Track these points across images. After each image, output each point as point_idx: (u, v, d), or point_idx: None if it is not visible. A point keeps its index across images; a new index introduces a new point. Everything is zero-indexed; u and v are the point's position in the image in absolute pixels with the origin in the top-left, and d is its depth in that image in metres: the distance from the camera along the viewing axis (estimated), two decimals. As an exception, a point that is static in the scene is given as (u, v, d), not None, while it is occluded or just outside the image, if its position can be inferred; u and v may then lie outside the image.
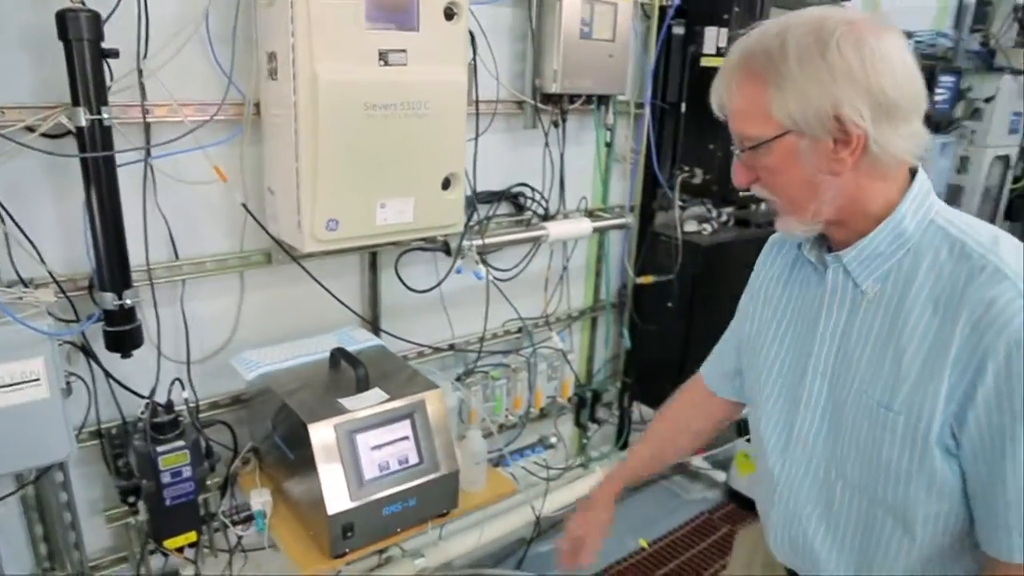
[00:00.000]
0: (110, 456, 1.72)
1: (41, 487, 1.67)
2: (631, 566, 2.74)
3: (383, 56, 1.62)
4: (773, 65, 0.92)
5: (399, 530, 1.64)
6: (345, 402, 1.60)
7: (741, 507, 3.14)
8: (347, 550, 1.57)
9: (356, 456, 1.55)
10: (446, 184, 1.82)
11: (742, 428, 3.13)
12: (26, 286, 1.52)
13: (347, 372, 1.74)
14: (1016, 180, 4.80)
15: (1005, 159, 4.47)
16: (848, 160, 0.93)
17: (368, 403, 1.61)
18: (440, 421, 1.68)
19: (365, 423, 1.58)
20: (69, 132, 1.48)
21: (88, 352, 1.61)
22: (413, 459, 1.64)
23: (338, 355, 1.76)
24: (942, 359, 0.93)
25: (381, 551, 2.24)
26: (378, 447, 1.59)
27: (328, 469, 1.52)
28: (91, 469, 1.75)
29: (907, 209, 0.98)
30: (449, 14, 1.70)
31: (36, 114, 1.45)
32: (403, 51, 1.64)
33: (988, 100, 4.06)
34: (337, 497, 1.52)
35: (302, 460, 1.57)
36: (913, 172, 1.01)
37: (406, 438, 1.64)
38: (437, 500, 1.69)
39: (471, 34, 1.89)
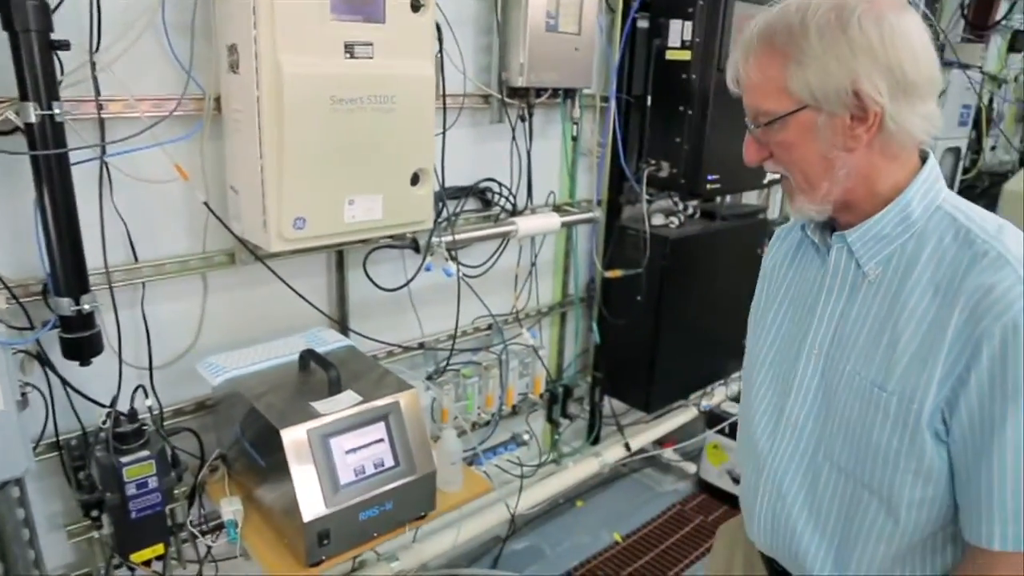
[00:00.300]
0: (70, 469, 1.64)
1: (-8, 504, 1.59)
2: (606, 560, 2.74)
3: (349, 48, 1.57)
4: (794, 40, 0.93)
5: (376, 535, 1.60)
6: (317, 405, 1.56)
7: (713, 497, 3.17)
8: (323, 558, 1.52)
9: (330, 461, 1.51)
10: (415, 180, 1.78)
11: (712, 420, 3.16)
12: (-25, 292, 1.44)
13: (317, 374, 1.69)
14: (966, 171, 4.95)
15: (956, 151, 4.60)
16: (864, 136, 0.95)
17: (341, 406, 1.57)
18: (415, 422, 1.65)
19: (339, 426, 1.54)
20: (17, 128, 1.41)
21: (44, 361, 1.53)
22: (389, 462, 1.60)
23: (308, 357, 1.71)
24: (939, 342, 0.93)
25: (354, 555, 2.19)
26: (353, 451, 1.55)
27: (302, 475, 1.47)
28: (49, 482, 1.67)
29: (915, 193, 0.99)
30: (416, 6, 1.66)
31: (-21, 110, 1.38)
32: (369, 44, 1.60)
33: (940, 94, 4.16)
34: (312, 504, 1.47)
35: (274, 466, 1.52)
36: (923, 158, 1.02)
37: (381, 440, 1.60)
38: (414, 503, 1.65)
39: (437, 26, 1.86)
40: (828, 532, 1.09)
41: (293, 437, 1.47)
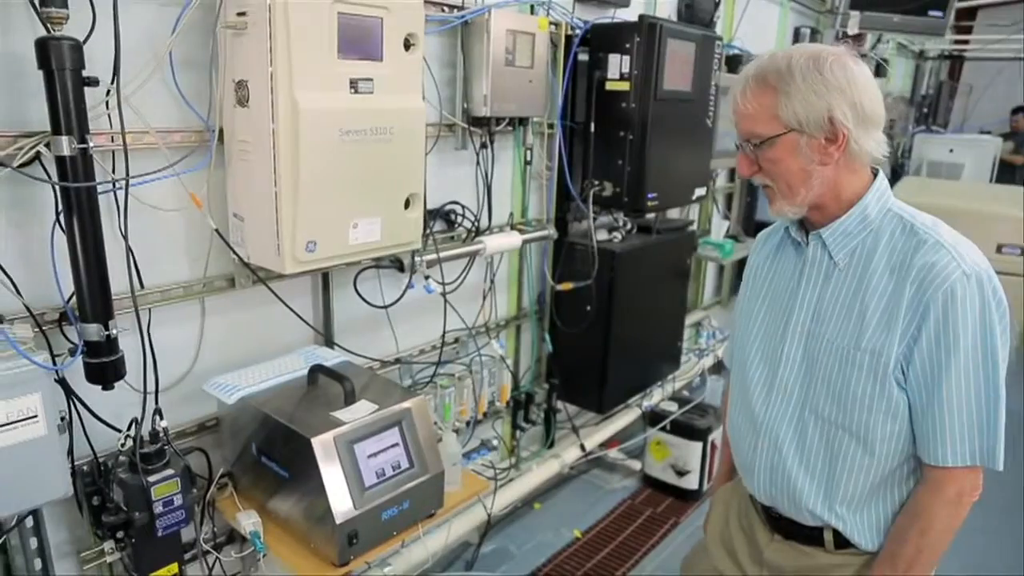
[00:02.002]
0: (83, 494, 1.66)
1: (8, 536, 1.59)
2: (571, 555, 2.92)
3: (353, 84, 1.71)
4: (783, 79, 1.20)
5: (395, 533, 1.72)
6: (338, 415, 1.66)
7: (658, 491, 3.42)
8: (352, 557, 1.62)
9: (356, 465, 1.62)
10: (407, 204, 1.92)
11: (653, 419, 3.41)
12: (1, 322, 1.46)
13: (325, 388, 1.79)
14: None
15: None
16: (835, 154, 1.22)
17: (360, 414, 1.68)
18: (424, 426, 1.78)
19: (361, 433, 1.65)
20: (35, 160, 1.46)
21: (67, 387, 1.56)
22: (405, 464, 1.72)
23: (317, 371, 1.81)
24: (897, 309, 1.22)
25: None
26: (374, 455, 1.66)
27: (333, 479, 1.57)
28: (58, 510, 1.68)
29: (871, 199, 1.27)
30: (407, 45, 1.82)
31: (7, 145, 1.42)
32: (370, 80, 1.74)
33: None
34: (343, 506, 1.57)
35: (301, 475, 1.61)
36: (875, 173, 1.30)
37: (396, 444, 1.72)
38: (427, 501, 1.78)
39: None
40: (817, 473, 1.34)
41: (323, 444, 1.57)
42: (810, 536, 1.38)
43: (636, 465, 3.48)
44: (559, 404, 3.09)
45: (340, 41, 1.66)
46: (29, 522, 1.59)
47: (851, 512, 1.33)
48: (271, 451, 1.70)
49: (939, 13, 4.41)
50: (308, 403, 1.74)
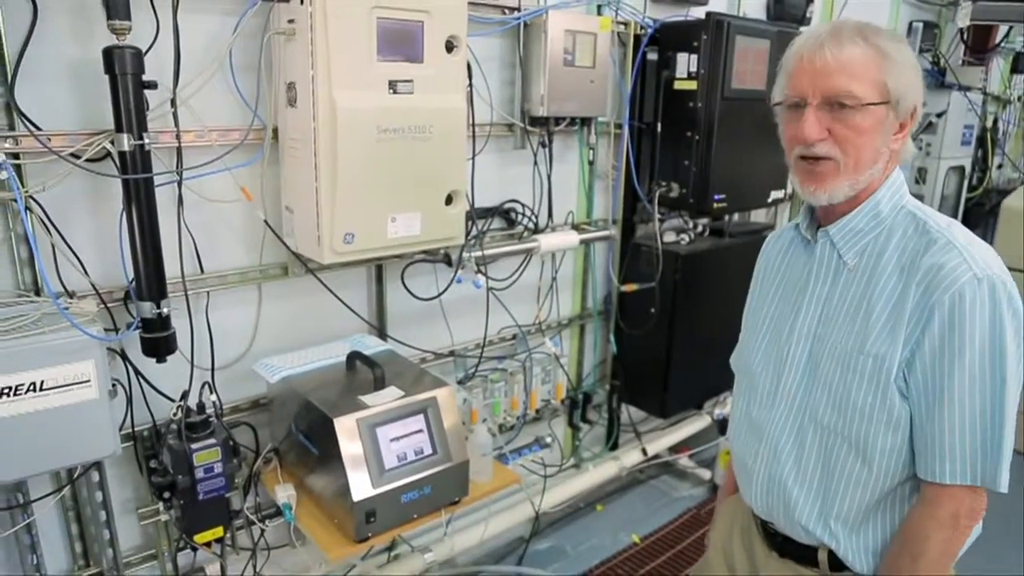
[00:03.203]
0: (142, 457, 1.84)
1: (78, 488, 1.79)
2: (625, 560, 2.89)
3: (392, 85, 1.79)
4: (896, 49, 1.13)
5: (415, 516, 1.78)
6: (365, 399, 1.75)
7: (725, 502, 3.31)
8: (370, 534, 1.70)
9: (377, 447, 1.70)
10: (448, 200, 1.99)
11: (724, 427, 3.31)
12: (70, 297, 1.65)
13: (363, 373, 1.88)
14: (972, 189, 5.10)
15: (960, 169, 4.75)
16: (899, 142, 1.17)
17: (386, 399, 1.76)
18: (450, 415, 1.83)
19: (384, 417, 1.73)
20: (107, 155, 1.63)
21: (125, 358, 1.74)
22: (427, 450, 1.78)
23: (354, 357, 1.91)
24: (902, 311, 1.13)
25: (390, 548, 2.37)
26: (396, 439, 1.74)
27: (352, 459, 1.66)
28: (123, 471, 1.87)
29: (883, 194, 1.20)
30: (449, 47, 1.88)
31: (80, 140, 1.60)
32: (410, 81, 1.81)
33: (940, 115, 4.34)
34: (361, 485, 1.66)
35: (327, 453, 1.71)
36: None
37: (420, 431, 1.78)
38: (450, 488, 1.84)
39: (467, 64, 2.07)
40: (813, 486, 1.27)
41: (345, 425, 1.67)
42: (805, 556, 1.31)
43: (706, 474, 3.38)
44: (621, 407, 3.06)
45: (380, 44, 1.74)
46: (95, 476, 1.79)
47: (846, 530, 1.25)
48: (305, 429, 1.81)
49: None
50: (342, 386, 1.84)
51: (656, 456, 3.17)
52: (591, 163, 2.72)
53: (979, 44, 4.78)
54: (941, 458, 1.12)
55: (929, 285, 1.11)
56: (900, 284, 1.15)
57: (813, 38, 1.15)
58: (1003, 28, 4.86)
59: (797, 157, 1.19)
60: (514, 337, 2.67)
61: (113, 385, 1.59)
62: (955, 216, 4.84)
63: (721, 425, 3.31)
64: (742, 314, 1.49)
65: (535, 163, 2.54)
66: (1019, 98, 5.79)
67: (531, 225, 2.58)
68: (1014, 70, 5.49)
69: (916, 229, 1.17)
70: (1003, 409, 1.09)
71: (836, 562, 1.27)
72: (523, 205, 2.56)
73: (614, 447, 3.13)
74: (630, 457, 3.02)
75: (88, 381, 1.50)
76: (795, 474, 1.29)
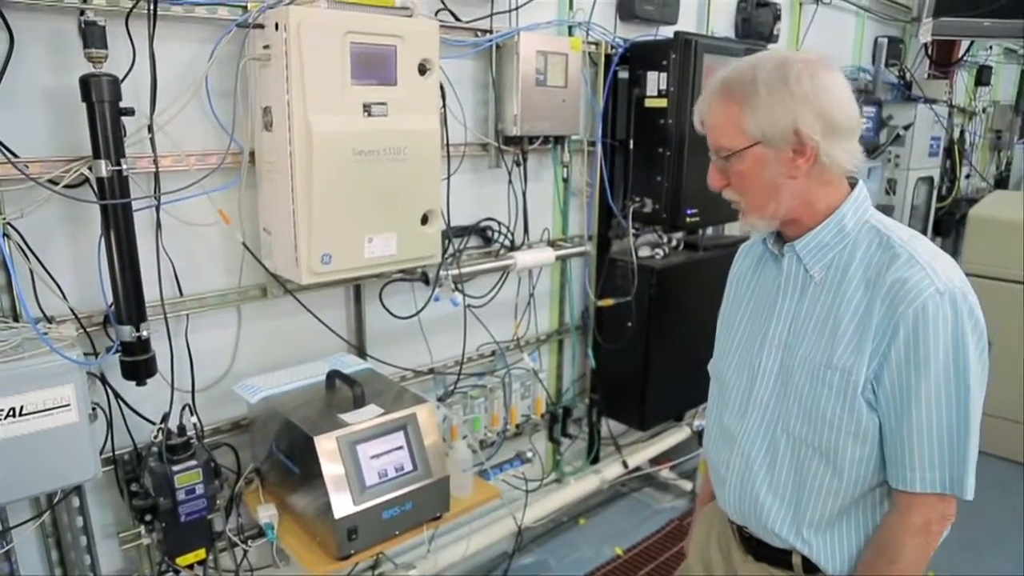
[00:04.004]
0: (123, 481, 1.85)
1: (58, 513, 1.79)
2: (609, 572, 2.91)
3: (367, 108, 1.83)
4: (747, 90, 1.17)
5: (397, 533, 1.80)
6: (345, 417, 1.77)
7: (707, 512, 3.34)
8: (352, 552, 1.72)
9: (358, 464, 1.72)
10: (424, 220, 2.02)
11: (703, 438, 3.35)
12: (49, 322, 1.66)
13: (342, 392, 1.90)
14: (942, 199, 5.22)
15: (929, 180, 4.87)
16: (803, 167, 1.19)
17: (366, 417, 1.78)
18: (430, 432, 1.86)
19: (364, 435, 1.75)
20: (85, 181, 1.66)
21: (105, 382, 1.75)
22: (408, 467, 1.80)
23: (334, 376, 1.93)
24: (868, 325, 1.17)
25: (374, 567, 2.37)
26: (376, 456, 1.76)
27: (333, 477, 1.68)
28: (104, 495, 1.87)
29: (847, 210, 1.23)
30: (422, 70, 1.92)
31: (58, 166, 1.62)
32: (384, 104, 1.85)
33: (907, 127, 4.45)
34: (342, 502, 1.67)
35: (308, 472, 1.73)
36: (853, 184, 1.26)
37: (401, 448, 1.81)
38: (431, 504, 1.85)
39: (440, 86, 2.12)
40: (786, 496, 1.30)
41: (325, 443, 1.68)
42: (779, 559, 1.35)
43: (688, 485, 3.42)
44: (602, 420, 3.09)
45: (353, 68, 1.78)
46: (75, 501, 1.79)
47: (818, 536, 1.28)
48: (286, 448, 1.83)
49: (1037, 15, 4.11)
50: (322, 405, 1.86)
51: (637, 468, 3.20)
52: (565, 180, 2.77)
53: (943, 58, 4.93)
54: (911, 467, 1.16)
55: (894, 299, 1.15)
56: (866, 298, 1.18)
57: (704, 94, 1.25)
58: (965, 43, 5.02)
59: None
60: (493, 353, 2.70)
61: (93, 409, 1.60)
62: (926, 225, 4.98)
63: (701, 436, 3.35)
64: (715, 327, 1.53)
65: (510, 181, 2.58)
66: (984, 110, 5.96)
67: (507, 243, 2.63)
68: (978, 83, 5.66)
69: (880, 244, 1.20)
70: (967, 418, 1.13)
71: (810, 565, 1.31)
72: (499, 223, 2.60)
73: (595, 461, 3.16)
74: (611, 470, 3.05)
75: (68, 405, 1.51)
76: (768, 483, 1.32)
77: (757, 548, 1.38)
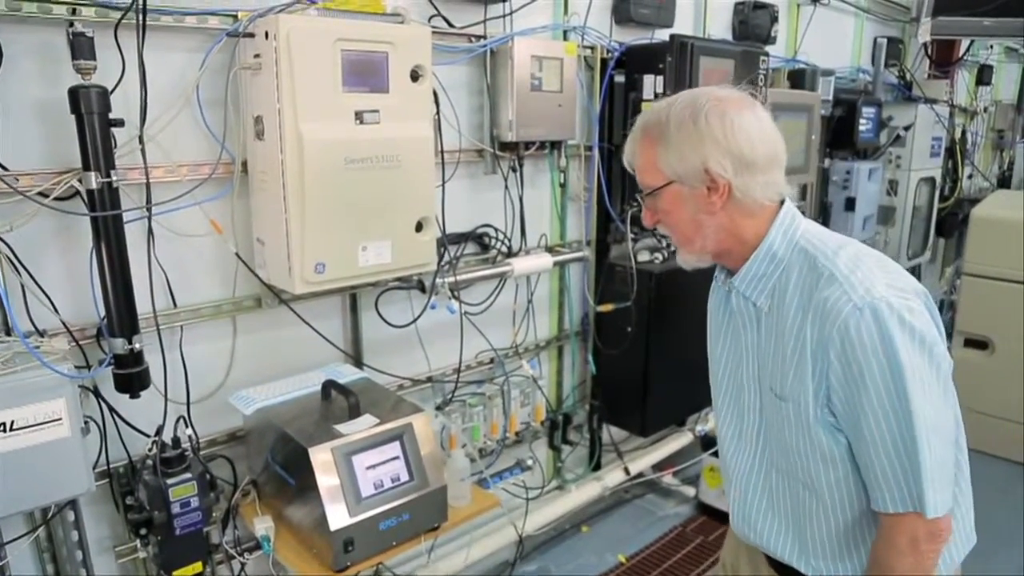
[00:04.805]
0: (118, 494, 1.83)
1: (53, 527, 1.77)
2: (611, 580, 2.88)
3: (359, 116, 1.82)
4: (661, 131, 1.18)
5: (395, 543, 1.78)
6: (340, 427, 1.76)
7: (712, 519, 3.31)
8: (349, 564, 1.70)
9: (353, 476, 1.70)
10: (419, 227, 2.01)
11: (707, 443, 3.32)
12: (41, 335, 1.65)
13: (338, 402, 1.89)
14: (944, 199, 5.18)
15: (931, 180, 4.83)
16: (718, 203, 1.18)
17: (361, 427, 1.76)
18: (427, 441, 1.84)
19: (359, 445, 1.73)
20: (76, 194, 1.65)
21: (98, 395, 1.74)
22: (404, 477, 1.79)
23: (329, 387, 1.92)
24: (805, 351, 1.16)
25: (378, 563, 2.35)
26: (372, 467, 1.74)
27: (329, 488, 1.66)
28: (98, 509, 1.86)
29: (775, 236, 1.22)
30: (415, 76, 1.91)
31: (47, 179, 1.61)
32: (376, 111, 1.84)
33: (908, 128, 4.42)
34: (338, 514, 1.66)
35: (303, 483, 1.71)
36: (781, 203, 1.24)
37: (397, 458, 1.79)
38: (428, 514, 1.84)
39: (434, 92, 2.11)
40: (789, 526, 1.30)
41: (320, 455, 1.67)
42: None
43: (691, 491, 3.39)
44: (603, 426, 3.07)
45: (345, 75, 1.77)
46: (71, 516, 1.77)
47: (831, 566, 1.27)
48: (282, 460, 1.81)
49: (1037, 14, 4.09)
50: (317, 416, 1.84)
51: (639, 475, 3.18)
52: (562, 185, 2.76)
53: (943, 58, 4.91)
54: (879, 488, 1.14)
55: (822, 321, 1.13)
56: (805, 324, 1.16)
57: (630, 137, 1.27)
58: (965, 42, 4.99)
59: None
60: (491, 361, 2.68)
61: (86, 422, 1.58)
62: (928, 226, 4.94)
63: (704, 441, 3.32)
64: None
65: (506, 187, 2.57)
66: (985, 109, 5.93)
67: (504, 249, 2.61)
68: (979, 82, 5.63)
69: (809, 265, 1.18)
70: (913, 430, 1.09)
71: None
72: (496, 229, 2.59)
73: (597, 467, 3.14)
74: (613, 477, 3.02)
75: (60, 419, 1.50)
76: (771, 517, 1.32)
77: (780, 566, 1.37)
